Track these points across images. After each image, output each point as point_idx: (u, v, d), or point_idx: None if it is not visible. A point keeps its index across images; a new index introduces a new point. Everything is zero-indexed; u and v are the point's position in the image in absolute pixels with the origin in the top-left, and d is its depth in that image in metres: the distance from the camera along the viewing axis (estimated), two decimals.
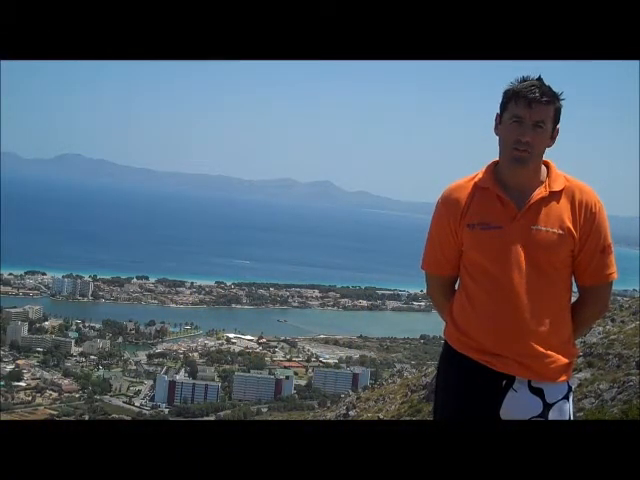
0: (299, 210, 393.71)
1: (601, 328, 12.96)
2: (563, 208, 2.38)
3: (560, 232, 2.36)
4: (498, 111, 2.42)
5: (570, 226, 2.37)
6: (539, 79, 2.36)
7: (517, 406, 2.40)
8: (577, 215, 2.38)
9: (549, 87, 2.35)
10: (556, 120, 2.38)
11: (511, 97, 2.36)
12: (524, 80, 2.36)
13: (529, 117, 2.32)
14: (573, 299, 2.52)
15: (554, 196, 2.39)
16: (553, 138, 2.40)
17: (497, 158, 2.47)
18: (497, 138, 2.43)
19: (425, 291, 2.76)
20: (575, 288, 2.53)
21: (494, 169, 2.46)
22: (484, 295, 2.43)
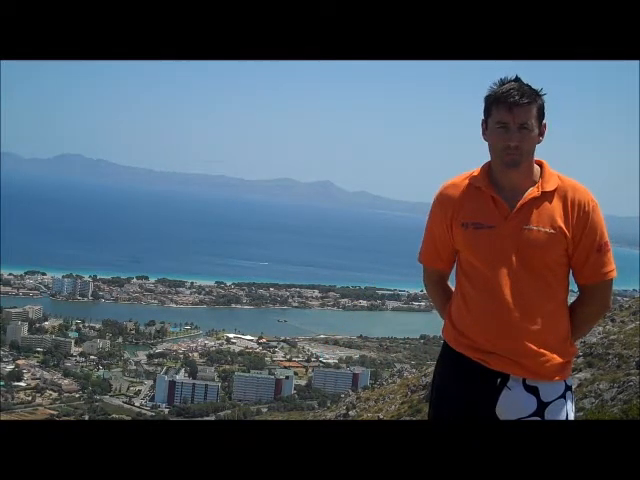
0: (299, 210, 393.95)
1: (601, 328, 12.98)
2: (555, 207, 2.39)
3: (552, 231, 2.36)
4: (483, 117, 2.43)
5: (562, 225, 2.36)
6: (517, 80, 2.37)
7: (512, 404, 2.41)
8: (570, 214, 2.38)
9: (528, 86, 2.36)
10: (541, 117, 2.38)
11: (492, 103, 2.37)
12: (502, 83, 2.37)
13: (513, 121, 2.32)
14: (573, 298, 2.53)
15: (546, 196, 2.39)
16: (541, 134, 2.40)
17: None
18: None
19: (425, 291, 2.80)
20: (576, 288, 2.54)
21: (488, 170, 2.47)
22: (478, 294, 2.44)
